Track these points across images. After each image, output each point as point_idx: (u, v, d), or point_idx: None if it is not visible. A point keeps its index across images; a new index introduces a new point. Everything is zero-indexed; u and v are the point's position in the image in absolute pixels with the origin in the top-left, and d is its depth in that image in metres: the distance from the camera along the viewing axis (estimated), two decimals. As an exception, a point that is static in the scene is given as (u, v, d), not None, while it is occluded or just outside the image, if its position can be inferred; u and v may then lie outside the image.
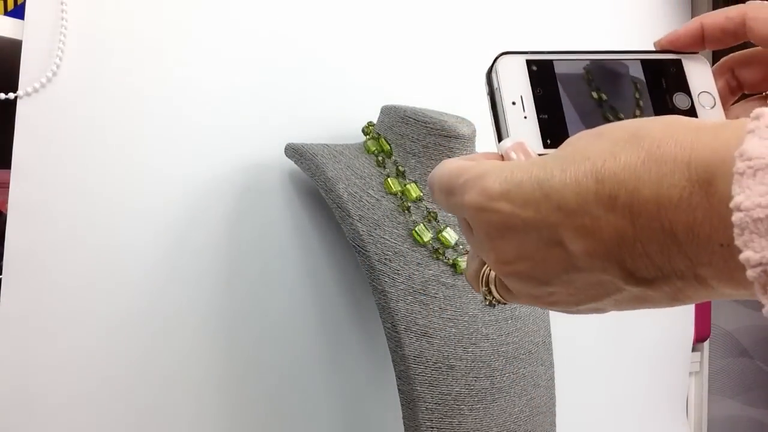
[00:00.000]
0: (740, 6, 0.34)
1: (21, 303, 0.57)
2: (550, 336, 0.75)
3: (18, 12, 0.59)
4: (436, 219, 0.67)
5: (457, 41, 0.90)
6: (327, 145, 0.70)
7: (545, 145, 0.34)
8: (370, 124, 0.72)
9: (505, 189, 0.27)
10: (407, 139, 0.68)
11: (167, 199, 0.65)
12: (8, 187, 0.57)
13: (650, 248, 0.24)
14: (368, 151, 0.70)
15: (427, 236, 0.65)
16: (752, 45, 0.36)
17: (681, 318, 1.24)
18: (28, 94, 0.57)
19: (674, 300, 0.26)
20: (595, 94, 0.36)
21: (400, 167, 0.68)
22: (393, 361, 0.63)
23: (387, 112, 0.71)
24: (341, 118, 0.78)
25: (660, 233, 0.24)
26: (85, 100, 0.61)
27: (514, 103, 0.35)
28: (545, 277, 0.28)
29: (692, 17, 1.34)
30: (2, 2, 0.60)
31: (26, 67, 0.57)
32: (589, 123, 0.34)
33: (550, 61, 0.36)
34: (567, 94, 0.36)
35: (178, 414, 0.65)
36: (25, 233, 0.57)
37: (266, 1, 0.74)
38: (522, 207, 0.27)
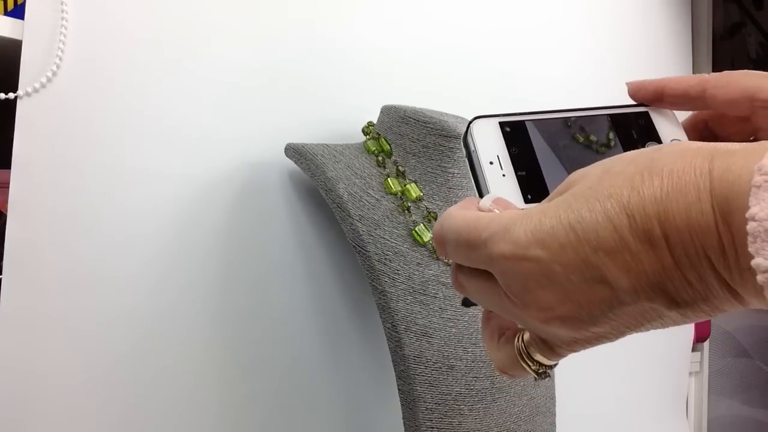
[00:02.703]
0: (700, 75, 0.37)
1: (21, 302, 0.57)
2: (550, 336, 0.75)
3: (18, 12, 0.59)
4: (436, 219, 0.67)
5: (457, 41, 0.90)
6: (327, 145, 0.70)
7: (526, 201, 0.35)
8: (370, 124, 0.72)
9: (539, 237, 0.27)
10: (407, 139, 0.68)
11: (167, 198, 0.65)
12: (8, 187, 0.57)
13: (689, 274, 0.25)
14: (368, 151, 0.70)
15: (427, 236, 0.65)
16: None
17: (681, 318, 1.24)
18: (28, 94, 0.57)
19: (711, 315, 0.27)
20: (568, 148, 0.38)
21: (400, 167, 0.68)
22: (393, 361, 0.63)
23: (387, 112, 0.71)
24: (341, 118, 0.78)
25: (696, 259, 0.25)
26: (85, 100, 0.61)
27: (491, 163, 0.36)
28: (590, 319, 0.28)
29: (692, 17, 1.35)
30: (2, 2, 0.60)
31: (26, 67, 0.57)
32: (567, 172, 0.36)
33: (522, 122, 0.38)
34: (541, 151, 0.37)
35: (177, 413, 0.65)
36: (25, 233, 0.57)
37: (266, 1, 0.74)
38: (560, 253, 0.27)
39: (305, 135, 0.74)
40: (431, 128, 0.67)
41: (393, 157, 0.69)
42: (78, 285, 0.60)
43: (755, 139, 0.37)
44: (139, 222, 0.64)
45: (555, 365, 0.33)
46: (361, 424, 0.77)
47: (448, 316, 0.65)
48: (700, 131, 0.39)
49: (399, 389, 0.63)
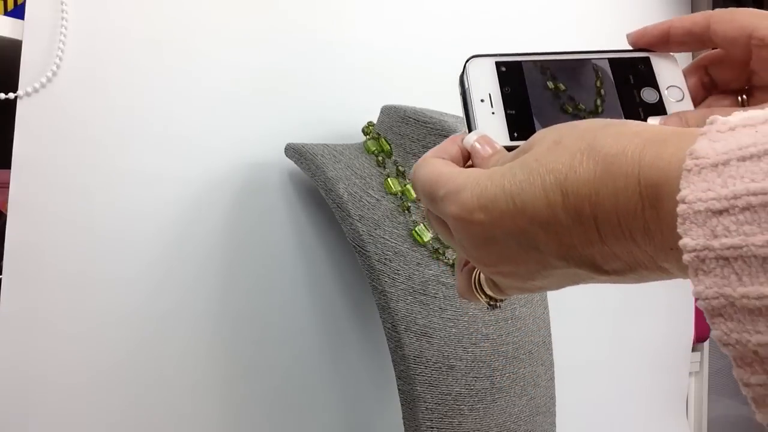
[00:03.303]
0: (706, 11, 0.38)
1: (21, 302, 0.57)
2: (550, 336, 0.75)
3: (18, 12, 0.59)
4: (436, 219, 0.67)
5: (457, 41, 0.90)
6: (327, 145, 0.70)
7: (512, 138, 0.36)
8: (370, 124, 0.72)
9: (483, 204, 0.30)
10: (407, 139, 0.68)
11: (167, 198, 0.65)
12: (8, 187, 0.57)
13: (616, 250, 0.27)
14: (368, 151, 0.70)
15: (427, 236, 0.65)
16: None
17: (681, 318, 1.24)
18: (28, 94, 0.57)
19: (639, 281, 0.30)
20: (560, 91, 0.38)
21: (400, 167, 0.68)
22: (393, 361, 0.63)
23: (387, 112, 0.70)
24: (341, 118, 0.78)
25: (622, 238, 0.27)
26: (85, 100, 0.61)
27: (482, 101, 0.37)
28: (527, 275, 0.31)
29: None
30: (2, 2, 0.60)
31: (26, 67, 0.57)
32: (555, 118, 0.36)
33: (519, 63, 0.39)
34: (534, 91, 0.38)
35: (177, 413, 0.65)
36: (25, 233, 0.57)
37: (266, 2, 0.74)
38: (499, 219, 0.29)
39: (305, 135, 0.74)
40: (431, 128, 0.67)
41: (393, 157, 0.69)
42: (78, 285, 0.60)
43: (749, 88, 0.39)
44: (139, 222, 0.64)
45: (504, 300, 0.38)
46: (361, 424, 0.77)
47: (448, 316, 0.65)
48: (700, 77, 0.40)
49: (399, 389, 0.63)
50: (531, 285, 0.33)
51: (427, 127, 0.67)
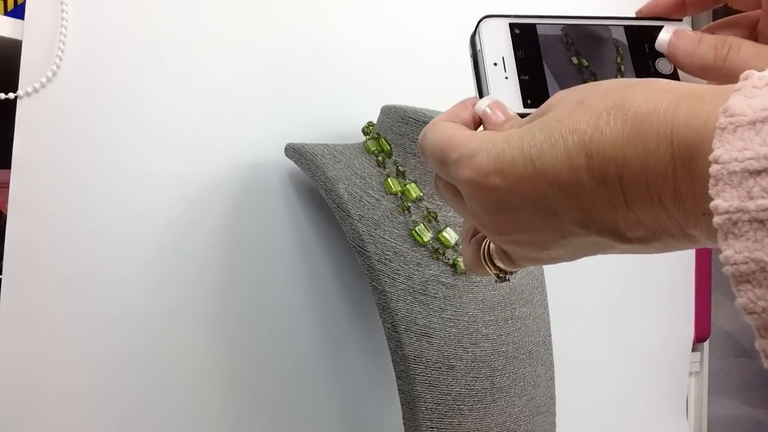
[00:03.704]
0: None
1: (21, 302, 0.57)
2: (550, 336, 0.75)
3: (18, 12, 0.59)
4: (436, 219, 0.67)
5: (457, 41, 0.90)
6: (327, 145, 0.70)
7: (525, 105, 0.34)
8: (370, 124, 0.72)
9: (499, 167, 0.28)
10: (407, 139, 0.68)
11: (167, 198, 0.65)
12: (8, 187, 0.57)
13: (642, 215, 0.26)
14: (368, 151, 0.70)
15: (427, 236, 0.65)
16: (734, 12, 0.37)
17: (681, 318, 1.24)
18: (28, 94, 0.57)
19: (663, 251, 0.28)
20: (576, 58, 0.37)
21: (400, 167, 0.68)
22: (393, 361, 0.63)
23: (387, 112, 0.70)
24: (341, 118, 0.78)
25: (650, 203, 0.25)
26: (85, 100, 0.61)
27: (495, 64, 0.35)
28: (543, 244, 0.30)
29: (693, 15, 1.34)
30: (2, 2, 0.60)
31: (26, 67, 0.57)
32: (570, 86, 0.35)
33: (533, 25, 0.37)
34: (549, 57, 0.36)
35: (177, 413, 0.65)
36: (25, 233, 0.57)
37: (267, 2, 0.74)
38: (517, 183, 0.28)
39: (305, 135, 0.74)
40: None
41: (393, 157, 0.69)
42: (78, 285, 0.60)
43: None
44: (140, 222, 0.64)
45: (515, 272, 0.35)
46: (361, 424, 0.77)
47: (448, 316, 0.65)
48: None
49: (399, 389, 0.63)
50: (546, 255, 0.31)
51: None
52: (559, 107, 0.28)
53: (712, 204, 0.21)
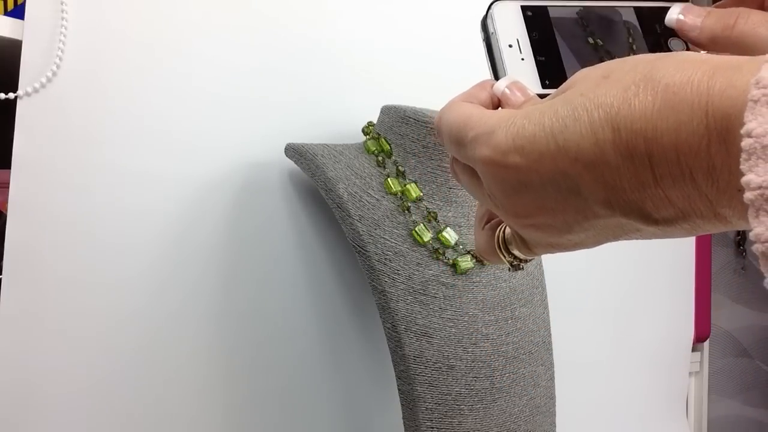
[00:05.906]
0: None
1: (21, 302, 0.57)
2: (550, 336, 0.75)
3: (18, 12, 0.59)
4: (436, 219, 0.67)
5: (457, 41, 0.90)
6: (327, 145, 0.70)
7: (544, 86, 0.34)
8: (370, 124, 0.72)
9: (519, 144, 0.27)
10: (407, 139, 0.68)
11: (167, 198, 0.65)
12: (8, 187, 0.57)
13: (671, 193, 0.24)
14: (368, 151, 0.70)
15: (427, 236, 0.65)
16: None
17: (681, 318, 1.24)
18: (28, 94, 0.57)
19: (691, 233, 0.27)
20: (590, 39, 0.36)
21: (400, 167, 0.68)
22: (393, 361, 0.63)
23: (387, 112, 0.70)
24: (341, 118, 0.78)
25: (680, 180, 0.24)
26: (85, 100, 0.61)
27: (510, 46, 0.35)
28: (564, 228, 0.28)
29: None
30: (2, 2, 0.60)
31: (26, 67, 0.57)
32: (588, 65, 0.35)
33: (545, 7, 0.37)
34: (563, 37, 0.36)
35: (177, 413, 0.65)
36: (25, 233, 0.57)
37: (267, 2, 0.74)
38: (538, 161, 0.26)
39: (305, 135, 0.74)
40: (431, 128, 0.67)
41: (393, 157, 0.69)
42: (78, 285, 0.60)
43: None
44: (140, 222, 0.64)
45: (530, 260, 0.34)
46: (361, 424, 0.77)
47: (448, 316, 0.65)
48: None
49: (399, 389, 0.63)
50: (566, 240, 0.29)
51: (427, 127, 0.67)
52: (583, 83, 0.26)
53: (743, 179, 0.20)
